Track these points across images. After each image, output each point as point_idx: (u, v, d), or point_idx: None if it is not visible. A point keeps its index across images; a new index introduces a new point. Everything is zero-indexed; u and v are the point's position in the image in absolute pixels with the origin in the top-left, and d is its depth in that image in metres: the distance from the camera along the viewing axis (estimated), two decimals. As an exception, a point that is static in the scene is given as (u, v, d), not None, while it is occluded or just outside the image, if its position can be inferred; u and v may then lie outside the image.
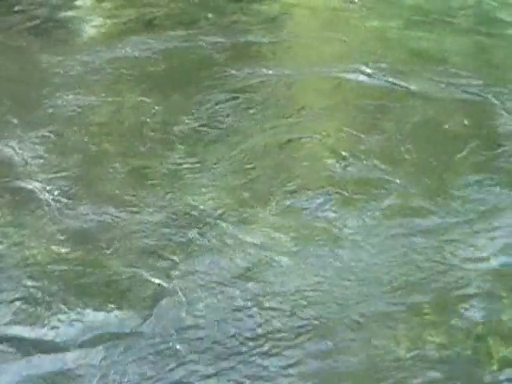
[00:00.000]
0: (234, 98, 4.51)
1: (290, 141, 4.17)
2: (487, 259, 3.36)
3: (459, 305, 3.17)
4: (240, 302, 3.20)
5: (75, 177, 3.94)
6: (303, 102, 4.47)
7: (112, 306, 3.20)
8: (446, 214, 3.60)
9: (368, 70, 4.67)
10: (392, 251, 3.42)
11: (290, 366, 2.94)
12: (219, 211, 3.66)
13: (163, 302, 3.21)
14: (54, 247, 3.49)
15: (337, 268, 3.35)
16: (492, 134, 4.16)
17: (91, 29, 5.38)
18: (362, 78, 4.63)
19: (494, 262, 3.35)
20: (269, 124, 4.29)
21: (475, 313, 3.14)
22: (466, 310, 3.15)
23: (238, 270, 3.35)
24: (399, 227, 3.55)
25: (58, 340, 3.06)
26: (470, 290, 3.22)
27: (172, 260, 3.42)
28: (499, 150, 4.02)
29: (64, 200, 3.75)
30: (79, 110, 4.46)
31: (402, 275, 3.28)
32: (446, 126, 4.20)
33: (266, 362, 2.95)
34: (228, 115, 4.36)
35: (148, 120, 4.36)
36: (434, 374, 2.90)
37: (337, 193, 3.76)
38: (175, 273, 3.35)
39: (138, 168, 3.99)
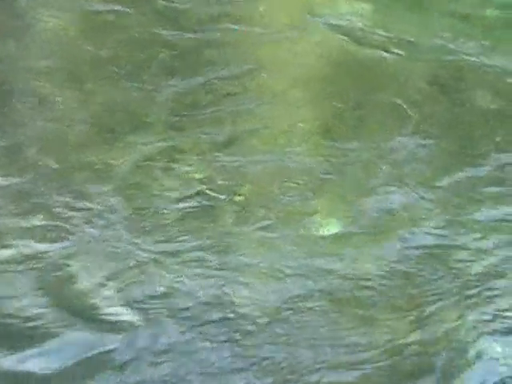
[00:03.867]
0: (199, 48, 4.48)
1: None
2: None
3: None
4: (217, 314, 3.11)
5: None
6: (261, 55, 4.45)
7: (82, 323, 3.07)
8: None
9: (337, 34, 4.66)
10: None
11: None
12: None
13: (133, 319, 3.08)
14: (6, 250, 3.32)
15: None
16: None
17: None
18: (331, 41, 4.62)
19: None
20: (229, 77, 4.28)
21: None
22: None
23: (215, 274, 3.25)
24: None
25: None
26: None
27: (140, 268, 3.27)
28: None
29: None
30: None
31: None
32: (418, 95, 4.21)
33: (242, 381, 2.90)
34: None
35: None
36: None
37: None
38: (143, 285, 3.20)
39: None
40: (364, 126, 3.98)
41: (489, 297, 3.14)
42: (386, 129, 3.94)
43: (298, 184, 3.64)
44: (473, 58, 4.41)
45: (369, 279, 3.19)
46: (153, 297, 3.13)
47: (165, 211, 3.50)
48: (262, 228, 3.42)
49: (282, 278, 3.21)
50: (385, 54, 4.44)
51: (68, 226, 3.39)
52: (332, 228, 3.42)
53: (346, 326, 3.04)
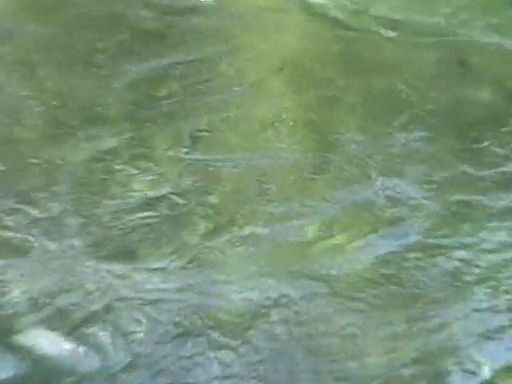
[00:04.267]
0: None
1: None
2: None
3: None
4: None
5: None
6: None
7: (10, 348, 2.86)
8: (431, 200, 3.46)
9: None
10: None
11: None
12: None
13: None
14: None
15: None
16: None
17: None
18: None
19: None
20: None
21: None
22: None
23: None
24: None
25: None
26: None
27: (92, 283, 3.05)
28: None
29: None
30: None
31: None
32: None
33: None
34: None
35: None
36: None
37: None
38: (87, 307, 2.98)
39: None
40: (355, 117, 3.86)
41: (489, 303, 3.04)
42: (379, 119, 3.83)
43: (280, 184, 3.50)
44: (476, 39, 4.35)
45: (358, 286, 3.08)
46: (105, 314, 2.95)
47: (123, 219, 3.37)
48: (238, 236, 3.26)
49: (263, 288, 3.06)
50: (375, 37, 4.36)
51: (9, 235, 3.23)
52: (318, 232, 3.29)
53: (334, 336, 2.92)
